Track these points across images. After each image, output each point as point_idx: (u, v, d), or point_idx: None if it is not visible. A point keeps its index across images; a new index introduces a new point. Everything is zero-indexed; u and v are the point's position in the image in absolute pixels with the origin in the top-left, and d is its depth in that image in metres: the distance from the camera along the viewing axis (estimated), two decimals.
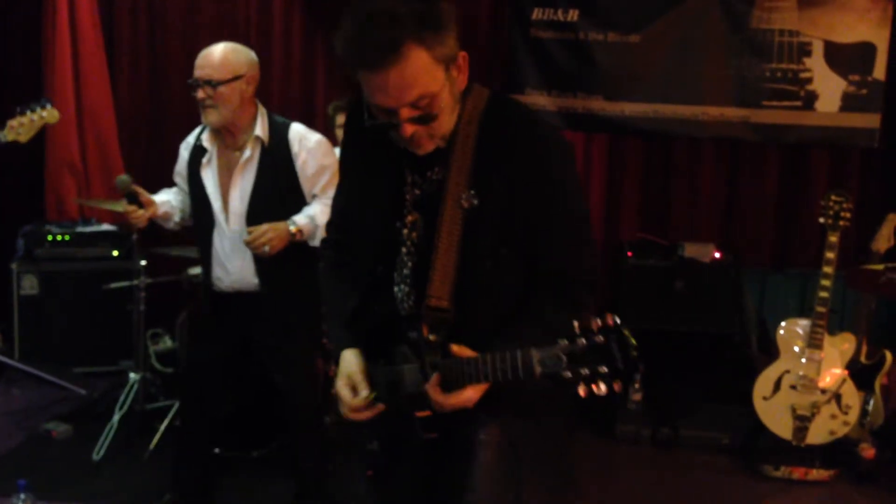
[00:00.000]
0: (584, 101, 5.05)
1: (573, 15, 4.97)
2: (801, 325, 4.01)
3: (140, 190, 3.14)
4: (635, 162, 5.18)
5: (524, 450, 1.89)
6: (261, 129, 3.12)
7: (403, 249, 1.89)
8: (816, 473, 3.99)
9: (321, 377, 3.45)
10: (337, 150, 4.35)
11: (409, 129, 1.71)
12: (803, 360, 3.96)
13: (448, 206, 1.78)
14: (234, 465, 3.90)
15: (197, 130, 3.27)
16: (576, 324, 1.56)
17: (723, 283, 4.59)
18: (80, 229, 5.00)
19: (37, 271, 4.82)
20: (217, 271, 3.22)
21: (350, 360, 1.94)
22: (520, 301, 1.84)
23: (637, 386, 4.43)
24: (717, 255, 4.65)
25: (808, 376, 3.94)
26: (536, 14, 5.00)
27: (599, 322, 1.55)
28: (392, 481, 2.03)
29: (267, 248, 3.01)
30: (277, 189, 3.13)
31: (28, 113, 3.50)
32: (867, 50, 4.86)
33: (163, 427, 4.07)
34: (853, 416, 3.95)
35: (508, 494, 1.88)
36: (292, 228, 3.06)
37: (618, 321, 1.54)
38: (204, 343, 3.43)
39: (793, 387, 3.97)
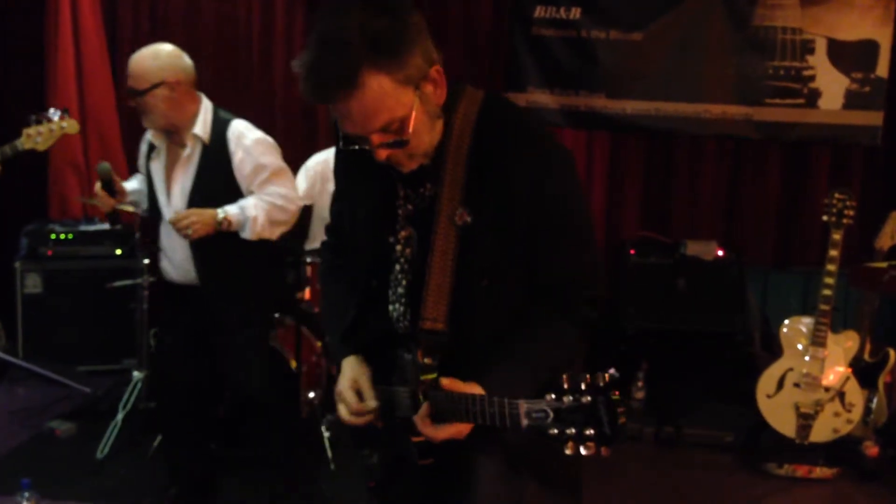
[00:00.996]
0: (586, 99, 5.05)
1: (575, 13, 4.96)
2: (805, 323, 4.00)
3: (116, 179, 3.21)
4: (637, 160, 5.18)
5: (527, 467, 1.83)
6: (201, 127, 3.13)
7: (397, 266, 1.82)
8: (820, 471, 3.99)
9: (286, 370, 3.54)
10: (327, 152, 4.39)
11: (382, 154, 1.64)
12: (807, 358, 3.95)
13: (441, 224, 1.70)
14: (235, 463, 3.91)
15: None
16: (564, 377, 1.48)
17: (725, 282, 4.59)
18: (83, 228, 5.01)
19: (40, 270, 4.83)
20: (164, 262, 3.30)
21: (356, 366, 1.89)
22: (518, 318, 1.76)
23: (640, 384, 4.44)
24: (720, 253, 4.65)
25: (812, 374, 3.94)
26: (538, 12, 5.00)
27: (589, 379, 1.47)
28: (393, 495, 2.00)
29: (189, 231, 3.04)
30: (216, 186, 3.14)
31: (46, 122, 3.52)
32: (870, 47, 4.85)
33: None
34: (857, 415, 3.95)
35: None
36: (219, 216, 3.07)
37: (608, 381, 1.46)
38: (167, 330, 3.48)
39: (796, 385, 3.96)
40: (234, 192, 3.16)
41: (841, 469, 4.00)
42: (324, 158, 4.52)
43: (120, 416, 4.01)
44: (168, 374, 3.37)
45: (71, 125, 3.59)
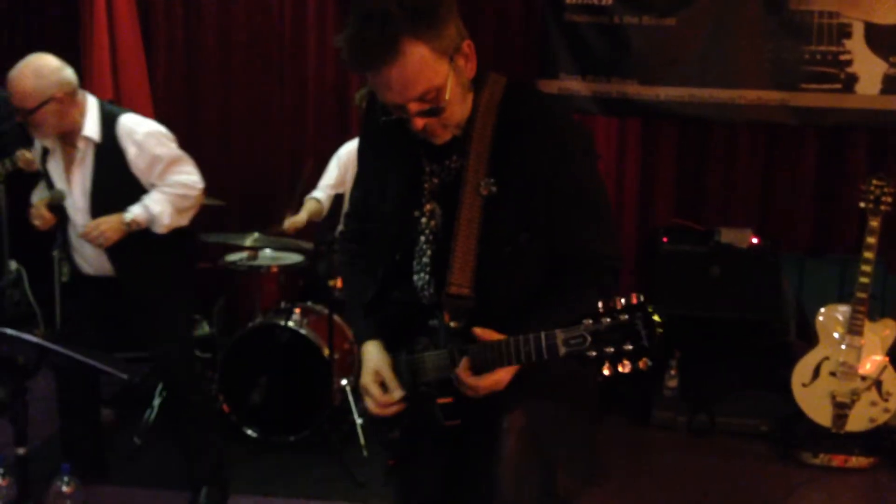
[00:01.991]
0: (619, 85, 5.01)
1: None
2: (841, 311, 3.96)
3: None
4: (670, 147, 5.13)
5: (548, 435, 1.90)
6: (90, 128, 3.16)
7: (422, 238, 1.90)
8: (856, 461, 3.95)
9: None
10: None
11: (419, 123, 1.72)
12: (843, 347, 3.91)
13: (467, 194, 1.79)
14: (271, 449, 3.96)
15: None
16: (600, 304, 1.56)
17: (760, 269, 4.53)
18: None
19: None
20: (77, 259, 3.35)
21: (376, 355, 1.96)
22: (541, 286, 1.85)
23: (673, 372, 4.41)
24: (755, 240, 4.60)
25: (848, 363, 3.90)
26: None
27: (623, 301, 1.55)
28: (413, 471, 2.04)
29: (101, 241, 3.13)
30: (115, 184, 3.19)
31: None
32: None
33: None
34: (894, 404, 3.90)
35: (532, 483, 1.88)
36: (127, 219, 3.15)
37: (642, 299, 1.54)
38: (75, 320, 3.54)
39: (832, 373, 3.92)
40: (134, 187, 3.22)
41: (877, 459, 3.97)
42: (354, 147, 4.54)
43: (156, 402, 4.08)
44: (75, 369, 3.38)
45: None
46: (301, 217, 4.31)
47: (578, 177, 1.81)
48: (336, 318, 4.05)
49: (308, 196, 4.45)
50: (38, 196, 3.38)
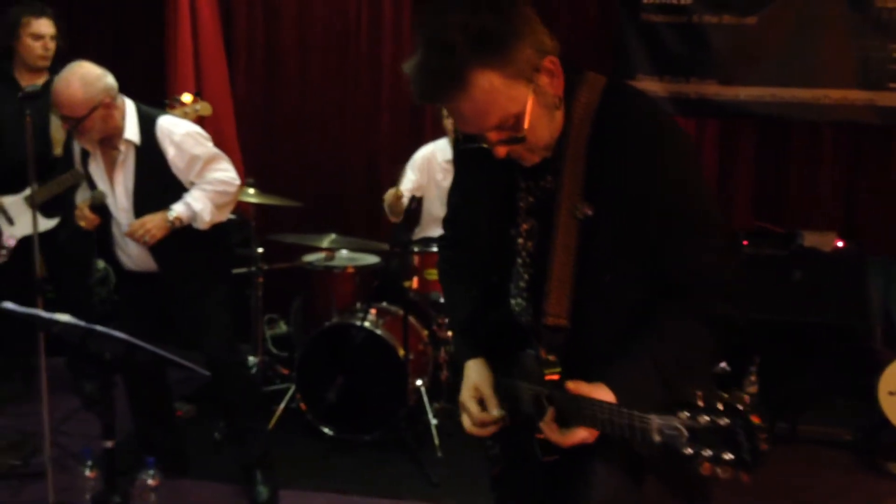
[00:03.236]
0: (697, 86, 4.93)
1: None
2: None
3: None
4: (749, 148, 5.03)
5: (650, 470, 1.76)
6: (131, 132, 3.28)
7: (519, 260, 1.80)
8: None
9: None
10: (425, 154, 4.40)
11: (502, 151, 1.61)
12: None
13: (562, 218, 1.66)
14: (347, 447, 4.01)
15: None
16: (699, 394, 1.39)
17: (845, 273, 4.40)
18: None
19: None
20: (121, 256, 3.45)
21: (477, 372, 1.87)
22: (643, 316, 1.68)
23: (753, 379, 4.31)
24: (839, 244, 4.46)
25: None
26: None
27: (726, 398, 1.38)
28: (512, 488, 1.98)
29: (147, 238, 3.25)
30: (156, 184, 3.32)
31: (180, 106, 3.72)
32: None
33: (280, 408, 4.21)
34: None
35: None
36: (171, 217, 3.26)
37: (747, 404, 1.37)
38: (125, 317, 3.57)
39: None
40: (174, 186, 3.33)
41: None
42: (430, 151, 4.57)
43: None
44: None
45: (204, 107, 3.79)
46: (398, 189, 4.31)
47: (684, 192, 1.64)
48: (411, 318, 4.08)
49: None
50: (81, 197, 3.52)
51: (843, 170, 4.92)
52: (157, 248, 3.34)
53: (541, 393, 1.69)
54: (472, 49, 1.49)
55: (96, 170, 3.38)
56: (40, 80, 4.20)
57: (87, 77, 3.17)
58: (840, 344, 4.43)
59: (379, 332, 4.04)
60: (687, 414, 1.40)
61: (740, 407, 1.37)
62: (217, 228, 3.45)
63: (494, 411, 1.81)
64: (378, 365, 4.03)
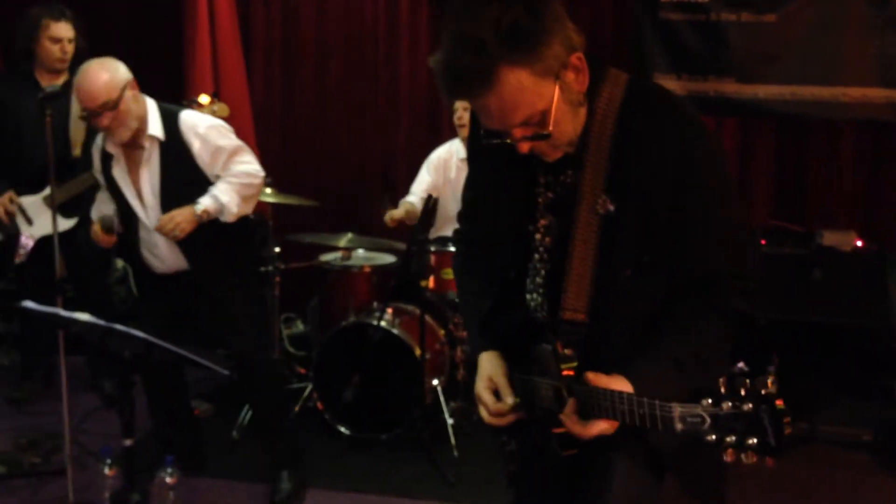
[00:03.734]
0: (716, 84, 4.90)
1: None
2: None
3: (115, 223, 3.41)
4: (768, 146, 4.99)
5: (669, 465, 1.77)
6: (154, 126, 3.28)
7: (536, 256, 1.80)
8: None
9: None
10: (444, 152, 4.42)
11: (525, 147, 1.61)
12: None
13: (582, 212, 1.65)
14: (363, 447, 4.01)
15: (101, 135, 3.41)
16: (721, 381, 1.40)
17: (864, 273, 4.36)
18: None
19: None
20: (150, 259, 3.44)
21: (491, 363, 1.87)
22: (662, 311, 1.69)
23: (771, 378, 4.29)
24: (859, 243, 4.43)
25: None
26: None
27: (748, 384, 1.39)
28: (530, 484, 1.98)
29: (177, 233, 3.26)
30: (183, 179, 3.32)
31: (197, 107, 3.75)
32: None
33: (297, 407, 4.23)
34: None
35: None
36: (198, 210, 3.27)
37: (771, 389, 1.38)
38: (145, 316, 3.54)
39: None
40: (200, 180, 3.35)
41: None
42: (446, 151, 4.58)
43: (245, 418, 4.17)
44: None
45: (221, 108, 3.81)
46: (399, 211, 4.39)
47: (709, 190, 1.64)
48: (428, 318, 4.09)
49: (402, 200, 4.51)
50: (95, 212, 3.52)
51: (863, 168, 4.88)
52: (188, 245, 3.35)
53: (561, 385, 1.69)
54: (501, 46, 1.49)
55: (119, 172, 3.37)
56: (60, 81, 4.24)
57: (106, 62, 3.20)
58: (859, 344, 4.40)
59: (396, 331, 4.05)
60: (709, 401, 1.40)
61: (763, 392, 1.37)
62: (244, 225, 3.47)
63: (509, 399, 1.81)
64: (395, 364, 4.04)
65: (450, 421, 4.03)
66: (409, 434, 4.01)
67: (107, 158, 3.38)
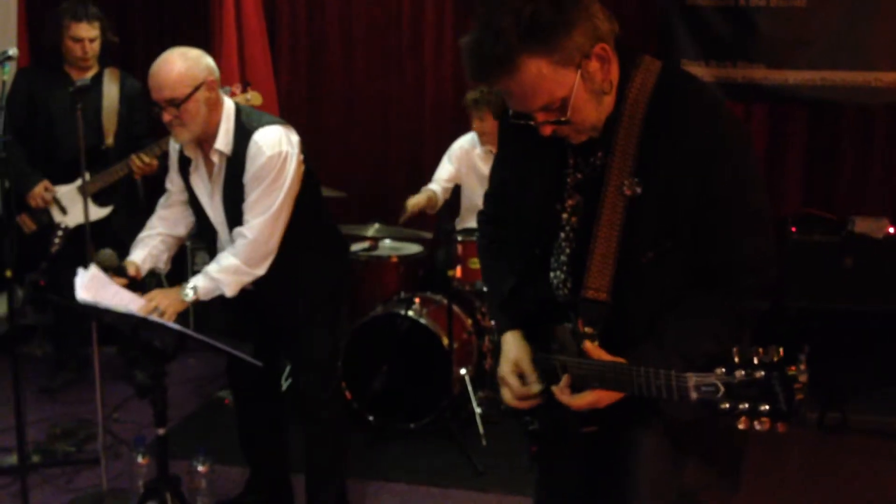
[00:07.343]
0: (745, 70, 4.85)
1: None
2: None
3: (124, 263, 2.98)
4: (799, 133, 4.94)
5: (689, 441, 1.80)
6: (222, 141, 2.83)
7: (562, 234, 1.83)
8: None
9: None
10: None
11: (547, 130, 1.68)
12: None
13: (609, 194, 1.70)
14: (392, 436, 4.03)
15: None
16: (735, 350, 1.45)
17: None
18: None
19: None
20: None
21: (516, 345, 1.90)
22: (680, 297, 1.73)
23: (803, 367, 4.26)
24: (891, 230, 4.38)
25: None
26: None
27: (761, 353, 1.43)
28: (553, 465, 2.01)
29: (159, 316, 2.74)
30: (239, 196, 2.87)
31: (231, 97, 3.75)
32: None
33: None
34: None
35: (669, 493, 1.81)
36: (189, 297, 2.83)
37: (782, 356, 1.41)
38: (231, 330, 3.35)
39: None
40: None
41: None
42: (468, 141, 4.58)
43: (284, 387, 4.21)
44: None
45: (255, 97, 3.80)
46: (420, 197, 4.37)
47: (736, 180, 1.67)
48: (455, 307, 4.09)
49: (424, 187, 4.50)
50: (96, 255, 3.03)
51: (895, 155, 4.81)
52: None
53: (558, 361, 1.75)
54: (521, 36, 1.55)
55: (198, 182, 2.96)
56: (89, 74, 4.29)
57: (187, 53, 2.78)
58: (892, 332, 4.35)
59: (423, 321, 4.05)
60: (723, 370, 1.46)
61: (775, 359, 1.42)
62: (321, 238, 3.10)
63: (534, 386, 1.85)
64: (422, 354, 4.05)
65: (478, 410, 4.04)
66: (438, 423, 4.02)
67: (185, 163, 2.98)
